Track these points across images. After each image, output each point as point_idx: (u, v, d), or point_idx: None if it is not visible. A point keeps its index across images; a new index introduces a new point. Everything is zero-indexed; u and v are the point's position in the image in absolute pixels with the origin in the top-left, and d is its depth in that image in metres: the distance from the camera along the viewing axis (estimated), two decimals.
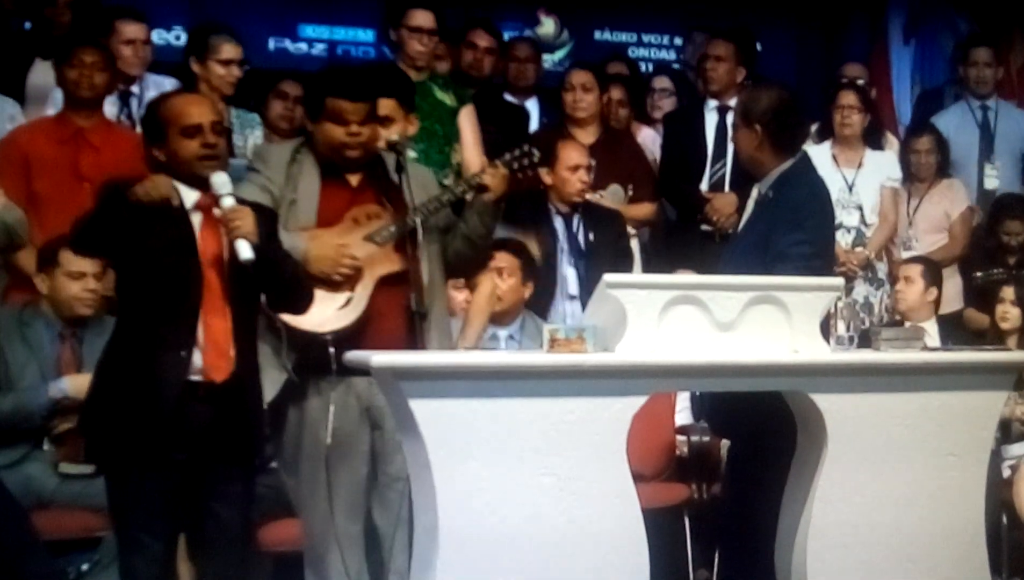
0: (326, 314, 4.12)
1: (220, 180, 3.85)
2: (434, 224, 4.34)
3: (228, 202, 3.82)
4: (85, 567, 4.69)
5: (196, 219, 3.86)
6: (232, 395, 3.84)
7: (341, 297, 4.20)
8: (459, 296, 5.17)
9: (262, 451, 4.09)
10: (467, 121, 5.67)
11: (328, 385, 4.14)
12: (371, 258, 4.22)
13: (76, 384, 4.70)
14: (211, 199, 3.85)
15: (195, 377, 3.80)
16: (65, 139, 5.36)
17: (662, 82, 7.36)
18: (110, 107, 5.91)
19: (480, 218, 4.39)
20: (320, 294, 4.12)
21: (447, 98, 5.65)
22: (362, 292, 4.21)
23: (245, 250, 3.77)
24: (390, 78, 4.94)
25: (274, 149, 4.53)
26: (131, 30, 5.93)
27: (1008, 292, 5.88)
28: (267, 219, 3.95)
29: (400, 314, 4.18)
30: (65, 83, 5.41)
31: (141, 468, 3.78)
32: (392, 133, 4.50)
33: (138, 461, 3.78)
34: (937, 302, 6.18)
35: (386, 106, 4.60)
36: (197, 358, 3.79)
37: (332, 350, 4.06)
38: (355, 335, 4.12)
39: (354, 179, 4.32)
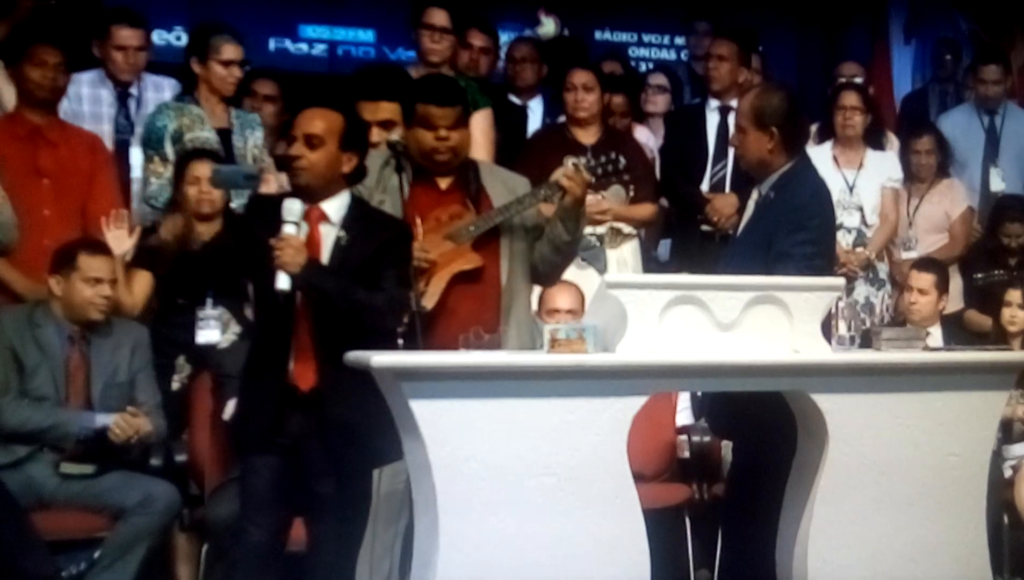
0: None
1: (288, 206, 3.92)
2: (520, 225, 4.47)
3: (286, 230, 3.89)
4: (84, 567, 4.69)
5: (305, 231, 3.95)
6: (316, 403, 3.92)
7: None
8: None
9: (353, 459, 4.01)
10: (479, 125, 5.65)
11: None
12: (448, 255, 4.35)
13: (120, 423, 4.75)
14: (316, 212, 3.96)
15: (293, 384, 3.95)
16: (22, 137, 5.33)
17: (657, 79, 7.37)
18: (108, 108, 5.91)
19: (563, 224, 4.49)
20: None
21: None
22: (434, 288, 4.32)
23: (282, 281, 3.87)
24: (393, 81, 4.96)
25: (370, 154, 4.58)
26: (125, 36, 5.87)
27: (1015, 295, 5.85)
28: (383, 228, 4.04)
29: (474, 309, 4.30)
30: (24, 81, 5.33)
31: (249, 465, 4.00)
32: (393, 135, 4.53)
33: (248, 459, 3.99)
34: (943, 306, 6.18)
35: (388, 109, 4.64)
36: (292, 367, 3.94)
37: (400, 342, 4.13)
38: (425, 328, 4.18)
39: (444, 182, 4.47)
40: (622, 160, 4.64)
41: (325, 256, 3.97)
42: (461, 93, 4.54)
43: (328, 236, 3.99)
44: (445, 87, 4.55)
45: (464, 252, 4.40)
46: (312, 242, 3.96)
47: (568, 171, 4.51)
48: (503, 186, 4.54)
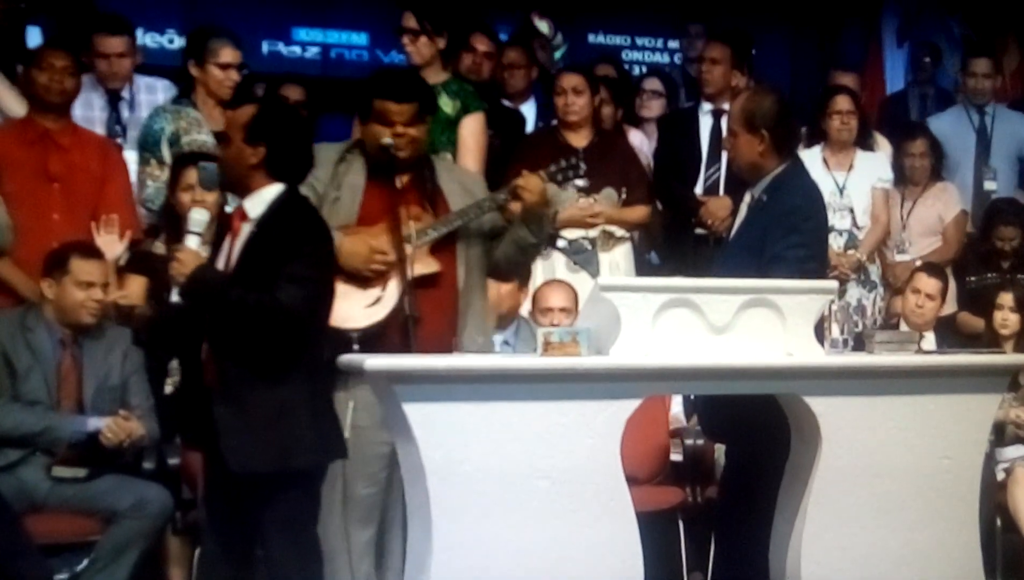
0: (353, 311, 4.18)
1: (192, 216, 3.95)
2: (477, 228, 4.43)
3: (186, 241, 3.90)
4: (77, 570, 4.69)
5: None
6: (212, 400, 3.86)
7: (370, 295, 4.27)
8: None
9: (248, 462, 3.82)
10: (469, 129, 5.63)
11: (354, 382, 4.16)
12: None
13: (112, 427, 4.75)
14: (239, 209, 3.93)
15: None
16: (32, 141, 5.31)
17: (652, 84, 7.37)
18: (99, 112, 5.90)
19: (527, 226, 4.47)
20: (348, 290, 4.20)
21: (448, 106, 5.59)
22: (392, 291, 4.25)
23: (174, 294, 3.87)
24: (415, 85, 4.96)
25: (324, 148, 4.55)
26: (107, 44, 5.83)
27: (1006, 298, 5.87)
28: (295, 227, 3.89)
29: (433, 315, 4.25)
30: (33, 86, 5.32)
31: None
32: (385, 138, 4.51)
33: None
34: None
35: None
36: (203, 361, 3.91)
37: (357, 347, 4.10)
38: (383, 333, 4.14)
39: (400, 181, 4.40)
40: (582, 165, 4.62)
41: (237, 254, 3.88)
42: (418, 89, 4.48)
43: (244, 234, 3.90)
44: (402, 82, 4.48)
45: (424, 256, 4.33)
46: (232, 240, 3.92)
47: (525, 176, 4.49)
48: (459, 185, 4.50)
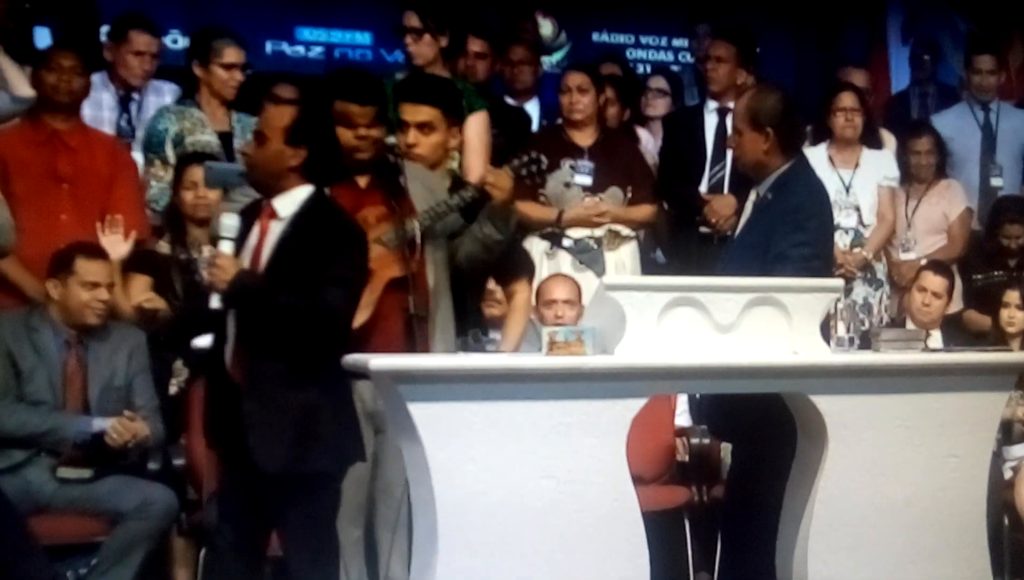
0: None
1: (224, 222, 3.89)
2: (441, 229, 4.37)
3: (221, 247, 3.86)
4: (83, 571, 4.69)
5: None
6: (239, 399, 3.83)
7: None
8: (495, 310, 5.21)
9: (276, 461, 3.80)
10: (474, 128, 5.61)
11: None
12: (380, 261, 4.23)
13: (117, 427, 4.74)
14: (268, 208, 3.89)
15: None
16: (41, 141, 5.30)
17: (657, 82, 7.35)
18: (108, 112, 5.91)
19: (493, 223, 4.43)
20: None
21: None
22: (370, 295, 4.21)
23: (214, 301, 3.82)
24: (438, 87, 4.93)
25: None
26: (143, 41, 5.91)
27: (1013, 296, 5.86)
28: (333, 230, 3.87)
29: (406, 318, 4.22)
30: (42, 87, 5.31)
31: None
32: (389, 138, 4.50)
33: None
34: None
35: (428, 113, 4.63)
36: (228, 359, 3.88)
37: None
38: (361, 337, 4.11)
39: (362, 180, 4.37)
40: (544, 159, 4.58)
41: (268, 252, 3.87)
42: (380, 91, 4.43)
43: (275, 232, 3.88)
44: (364, 85, 4.43)
45: (396, 257, 4.29)
46: (261, 238, 3.89)
47: (492, 172, 4.47)
48: (421, 184, 4.45)
